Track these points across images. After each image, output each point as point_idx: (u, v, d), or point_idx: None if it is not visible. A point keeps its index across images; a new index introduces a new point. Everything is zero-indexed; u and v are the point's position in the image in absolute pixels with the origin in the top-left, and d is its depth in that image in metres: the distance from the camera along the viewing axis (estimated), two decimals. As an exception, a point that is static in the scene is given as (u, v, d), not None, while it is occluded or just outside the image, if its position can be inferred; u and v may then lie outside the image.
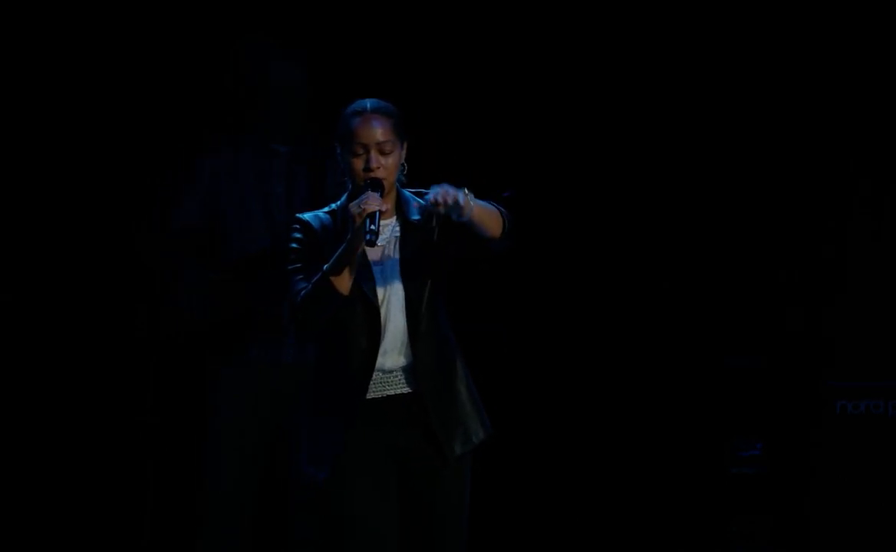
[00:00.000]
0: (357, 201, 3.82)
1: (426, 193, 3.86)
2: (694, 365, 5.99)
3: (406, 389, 3.95)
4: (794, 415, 5.74)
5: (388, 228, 3.98)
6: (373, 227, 3.77)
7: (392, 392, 3.95)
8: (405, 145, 4.00)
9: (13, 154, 5.67)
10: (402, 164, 4.00)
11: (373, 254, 3.95)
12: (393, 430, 3.95)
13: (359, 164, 3.93)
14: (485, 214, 3.85)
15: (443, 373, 3.97)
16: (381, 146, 3.92)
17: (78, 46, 5.66)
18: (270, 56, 4.88)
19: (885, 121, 5.94)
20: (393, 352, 3.94)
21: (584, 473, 6.01)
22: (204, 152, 4.94)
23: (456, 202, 3.75)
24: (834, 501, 5.54)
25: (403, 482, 3.97)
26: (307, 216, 4.01)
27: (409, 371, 3.94)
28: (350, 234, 3.81)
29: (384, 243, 3.96)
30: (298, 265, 3.94)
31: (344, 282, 3.84)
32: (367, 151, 3.91)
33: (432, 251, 3.96)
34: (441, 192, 3.75)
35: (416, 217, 3.99)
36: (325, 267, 3.84)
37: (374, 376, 3.92)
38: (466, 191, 3.78)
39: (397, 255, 3.96)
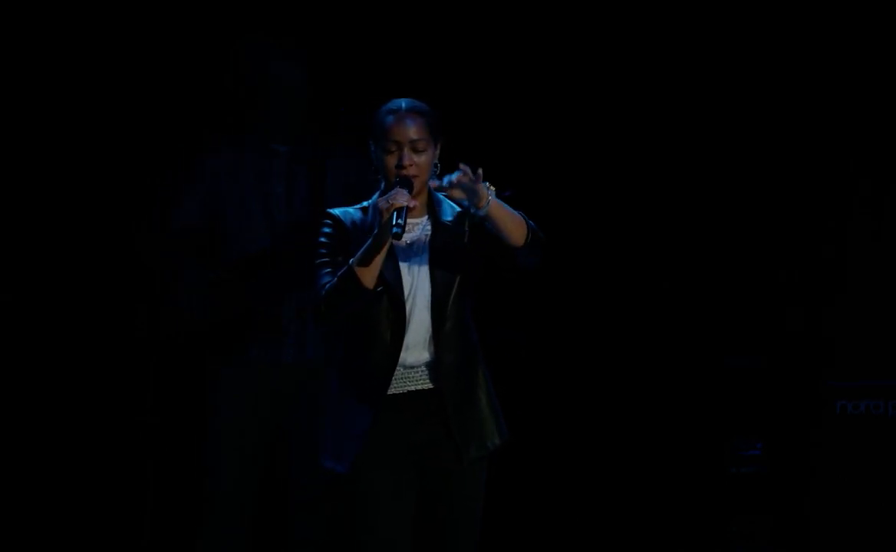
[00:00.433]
0: (385, 196, 3.86)
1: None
2: (694, 365, 5.99)
3: (428, 385, 3.97)
4: (794, 415, 5.74)
5: (419, 226, 4.02)
6: (399, 221, 3.79)
7: (413, 388, 3.97)
8: (439, 145, 4.03)
9: (13, 154, 5.67)
10: (436, 164, 4.02)
11: (402, 250, 3.97)
12: (413, 427, 3.97)
13: (391, 161, 3.95)
14: (506, 217, 3.88)
15: (464, 374, 4.00)
16: (414, 144, 3.94)
17: (78, 46, 5.66)
18: (270, 56, 4.88)
19: (885, 121, 5.94)
20: (416, 348, 3.96)
21: (585, 473, 6.01)
22: (204, 152, 4.93)
23: (473, 185, 3.77)
24: (834, 501, 5.54)
25: (421, 479, 3.99)
26: (338, 211, 4.04)
27: (432, 368, 3.97)
28: (377, 228, 3.85)
29: (414, 240, 3.99)
30: (326, 259, 3.97)
31: (369, 277, 3.86)
32: (400, 149, 3.94)
33: (462, 253, 3.99)
34: (462, 172, 3.77)
35: (448, 218, 4.02)
36: (351, 260, 3.87)
37: (396, 371, 3.94)
38: (489, 184, 3.81)
39: (426, 253, 3.99)
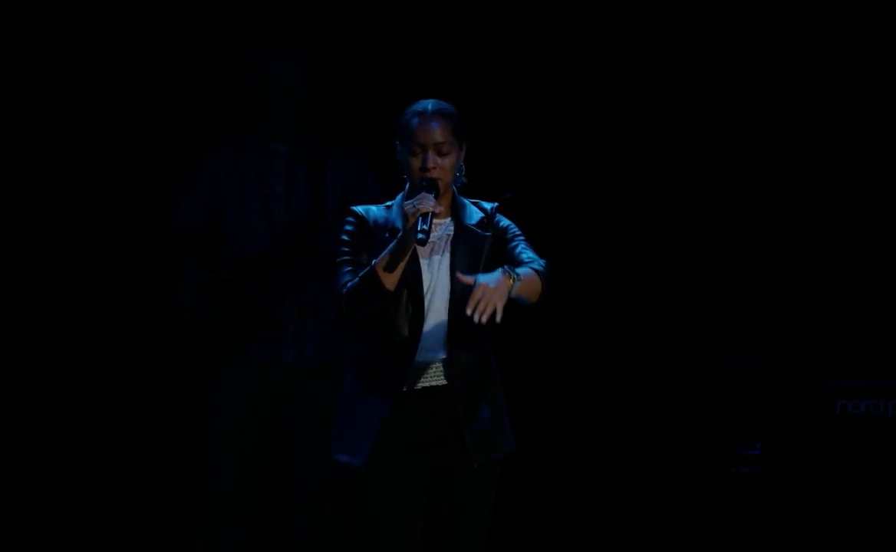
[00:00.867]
0: (411, 201, 3.89)
1: (482, 202, 4.03)
2: (694, 365, 5.99)
3: (441, 382, 4.00)
4: (794, 415, 5.74)
5: (442, 226, 4.05)
6: (424, 226, 3.83)
7: (427, 384, 3.99)
8: (464, 148, 4.06)
9: (13, 154, 5.67)
10: (461, 166, 4.06)
11: (423, 249, 3.99)
12: (424, 423, 3.99)
13: (416, 162, 3.98)
14: (526, 288, 3.90)
15: (477, 375, 4.03)
16: (438, 147, 3.98)
17: (78, 46, 5.66)
18: (270, 56, 4.88)
19: (885, 121, 5.93)
20: (432, 345, 3.99)
21: (585, 472, 6.00)
22: (204, 152, 4.94)
23: (502, 291, 3.80)
24: (834, 501, 5.54)
25: (430, 477, 4.01)
26: (360, 209, 4.08)
27: (446, 365, 3.99)
28: (402, 232, 3.89)
29: (436, 238, 4.02)
30: (347, 257, 4.01)
31: (391, 279, 3.90)
32: (425, 151, 3.97)
33: (482, 256, 4.02)
34: (483, 303, 3.76)
35: (471, 222, 4.05)
36: (373, 261, 3.91)
37: (411, 367, 3.96)
38: (513, 278, 3.83)
39: (448, 253, 4.02)
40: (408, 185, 4.04)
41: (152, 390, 5.72)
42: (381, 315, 3.97)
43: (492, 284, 3.79)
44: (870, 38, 5.91)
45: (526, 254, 4.04)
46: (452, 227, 4.06)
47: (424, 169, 3.96)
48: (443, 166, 3.98)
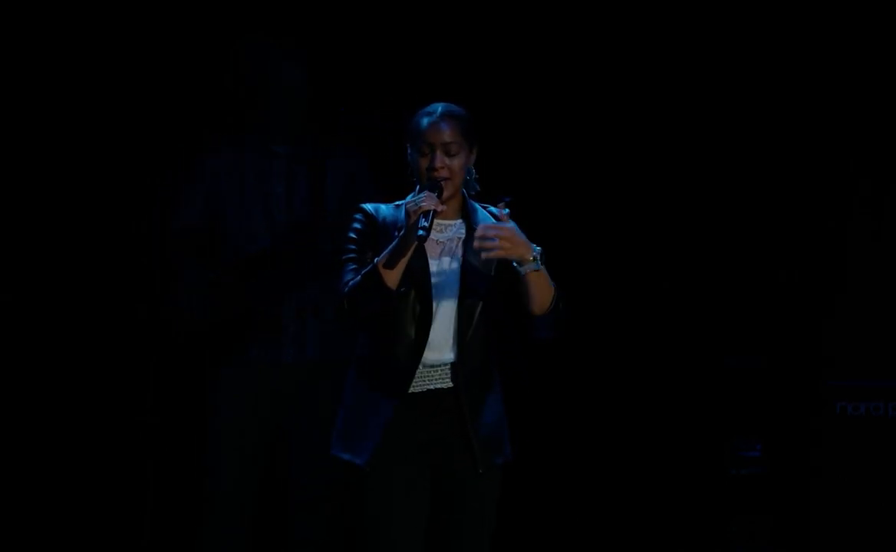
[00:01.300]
0: (414, 199, 3.91)
1: (492, 208, 4.00)
2: (694, 365, 5.99)
3: (447, 384, 3.99)
4: (794, 415, 5.74)
5: (452, 228, 4.05)
6: (424, 223, 3.83)
7: (434, 386, 3.99)
8: (474, 151, 4.07)
9: (13, 154, 5.67)
10: (472, 170, 4.07)
11: (433, 249, 4.01)
12: (427, 424, 3.98)
13: (424, 163, 3.99)
14: (538, 284, 3.91)
15: (482, 379, 4.03)
16: (446, 147, 3.98)
17: (78, 46, 5.66)
18: (270, 56, 4.88)
19: (885, 121, 5.93)
20: (439, 348, 3.98)
21: (585, 473, 6.01)
22: (204, 152, 4.94)
23: (517, 249, 3.83)
24: (834, 502, 5.54)
25: (434, 479, 4.01)
26: (370, 207, 4.08)
27: (453, 368, 3.99)
28: (404, 229, 3.89)
29: (447, 240, 4.02)
30: (352, 255, 4.01)
31: (393, 277, 3.90)
32: (433, 151, 3.97)
33: (494, 261, 3.99)
34: (492, 243, 3.80)
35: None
36: (376, 259, 3.90)
37: (418, 369, 3.96)
38: (540, 252, 3.86)
39: (458, 255, 4.02)
40: (417, 187, 4.04)
41: (152, 390, 5.72)
42: (388, 316, 3.96)
43: (513, 234, 3.82)
44: (870, 38, 5.91)
45: None
46: (464, 230, 4.06)
47: (432, 168, 3.97)
48: (451, 167, 3.98)
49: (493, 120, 5.86)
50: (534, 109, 6.00)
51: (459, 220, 4.07)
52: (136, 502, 5.71)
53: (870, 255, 5.98)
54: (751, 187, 6.02)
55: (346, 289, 3.94)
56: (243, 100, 4.95)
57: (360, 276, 3.92)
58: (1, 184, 5.67)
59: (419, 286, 3.96)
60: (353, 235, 4.04)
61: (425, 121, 3.99)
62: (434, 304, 3.96)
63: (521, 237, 3.85)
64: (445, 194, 3.97)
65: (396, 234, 3.95)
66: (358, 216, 4.06)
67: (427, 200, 3.87)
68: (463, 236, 4.05)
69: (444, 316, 3.98)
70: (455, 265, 4.01)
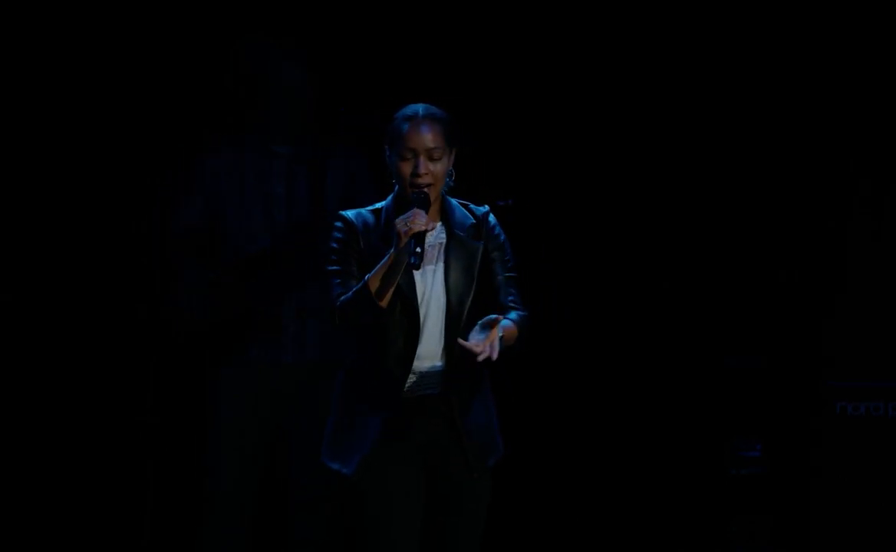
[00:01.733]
0: (403, 218, 3.82)
1: (472, 206, 3.99)
2: (694, 365, 5.99)
3: (439, 390, 3.95)
4: (794, 415, 5.74)
5: (433, 234, 3.97)
6: (418, 249, 3.78)
7: (424, 393, 3.95)
8: (454, 152, 4.00)
9: (13, 154, 5.67)
10: (450, 171, 4.00)
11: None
12: (419, 428, 3.96)
13: (407, 168, 3.92)
14: (505, 339, 3.90)
15: (473, 382, 4.00)
16: (430, 152, 3.92)
17: (78, 46, 5.66)
18: (270, 56, 4.88)
19: (885, 121, 5.93)
20: (429, 355, 3.94)
21: (585, 473, 6.00)
22: (204, 152, 4.94)
23: (505, 343, 3.85)
24: (834, 502, 5.54)
25: (431, 480, 3.99)
26: (350, 214, 4.00)
27: (443, 374, 3.95)
28: (394, 249, 3.81)
29: (428, 247, 3.94)
30: (337, 267, 3.94)
31: (384, 295, 3.84)
32: (416, 157, 3.91)
33: (476, 261, 3.98)
34: (488, 349, 3.80)
35: (463, 226, 4.00)
36: (366, 276, 3.85)
37: (408, 378, 3.93)
38: (501, 332, 3.84)
39: (441, 260, 3.97)
40: (397, 188, 3.99)
41: (152, 390, 5.72)
42: (377, 325, 3.92)
43: (495, 338, 3.80)
44: (870, 38, 5.91)
45: (510, 294, 4.02)
46: (444, 235, 4.00)
47: (416, 175, 3.90)
48: (434, 172, 3.92)
49: (493, 120, 5.88)
50: (534, 110, 6.00)
51: (439, 224, 4.00)
52: (136, 502, 5.71)
53: (870, 254, 5.98)
54: (751, 187, 6.02)
55: (338, 303, 3.90)
56: (243, 100, 4.95)
57: (351, 293, 3.87)
58: (1, 184, 5.67)
59: (406, 298, 3.91)
60: (335, 245, 3.97)
61: (406, 126, 3.92)
62: (421, 315, 3.92)
63: (498, 332, 3.83)
64: (430, 199, 3.92)
65: (381, 244, 3.89)
66: (338, 225, 3.98)
67: (417, 220, 3.80)
68: (444, 241, 3.99)
69: (433, 324, 3.94)
70: (440, 274, 3.96)
